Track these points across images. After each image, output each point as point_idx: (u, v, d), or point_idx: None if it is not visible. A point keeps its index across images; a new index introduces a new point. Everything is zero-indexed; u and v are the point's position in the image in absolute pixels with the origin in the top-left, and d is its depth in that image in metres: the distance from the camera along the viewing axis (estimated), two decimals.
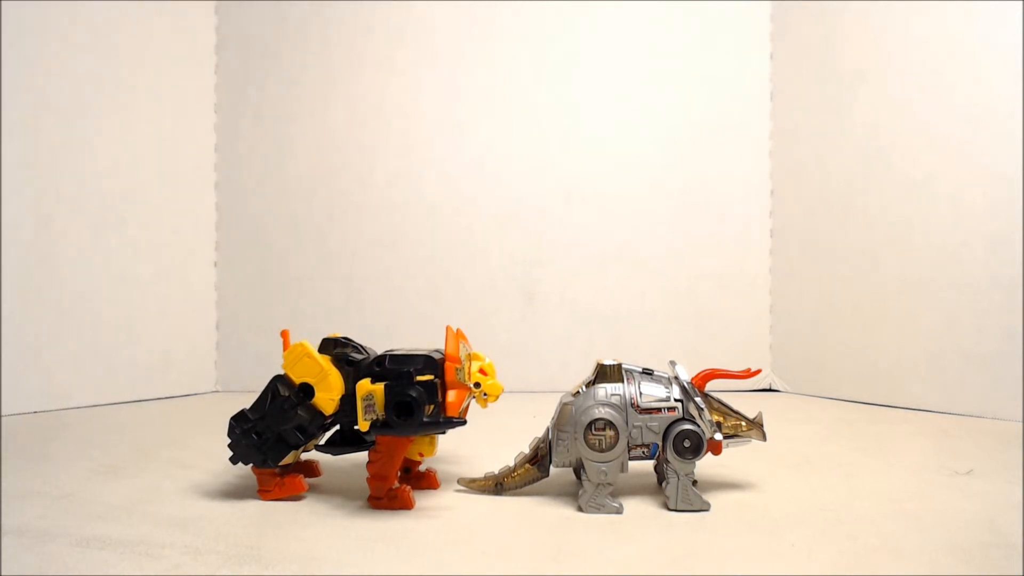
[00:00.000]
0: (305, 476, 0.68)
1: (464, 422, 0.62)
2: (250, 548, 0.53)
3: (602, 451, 0.61)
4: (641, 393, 0.63)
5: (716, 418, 0.64)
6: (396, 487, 0.62)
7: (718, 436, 0.62)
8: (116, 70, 1.21)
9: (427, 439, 0.65)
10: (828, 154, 1.26)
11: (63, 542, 0.54)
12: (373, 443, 0.63)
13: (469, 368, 0.62)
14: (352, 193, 1.37)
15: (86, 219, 1.18)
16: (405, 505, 0.62)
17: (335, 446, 0.66)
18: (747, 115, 1.36)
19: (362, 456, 0.64)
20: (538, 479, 0.66)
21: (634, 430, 0.62)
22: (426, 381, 0.59)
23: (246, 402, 0.64)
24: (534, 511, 0.62)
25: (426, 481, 0.69)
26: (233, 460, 0.64)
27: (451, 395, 0.61)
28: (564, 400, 0.64)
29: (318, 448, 0.67)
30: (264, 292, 1.35)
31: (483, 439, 0.83)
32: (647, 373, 0.64)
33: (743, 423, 0.64)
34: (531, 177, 1.37)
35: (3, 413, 1.06)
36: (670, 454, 0.61)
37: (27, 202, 1.11)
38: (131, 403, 1.21)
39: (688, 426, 0.61)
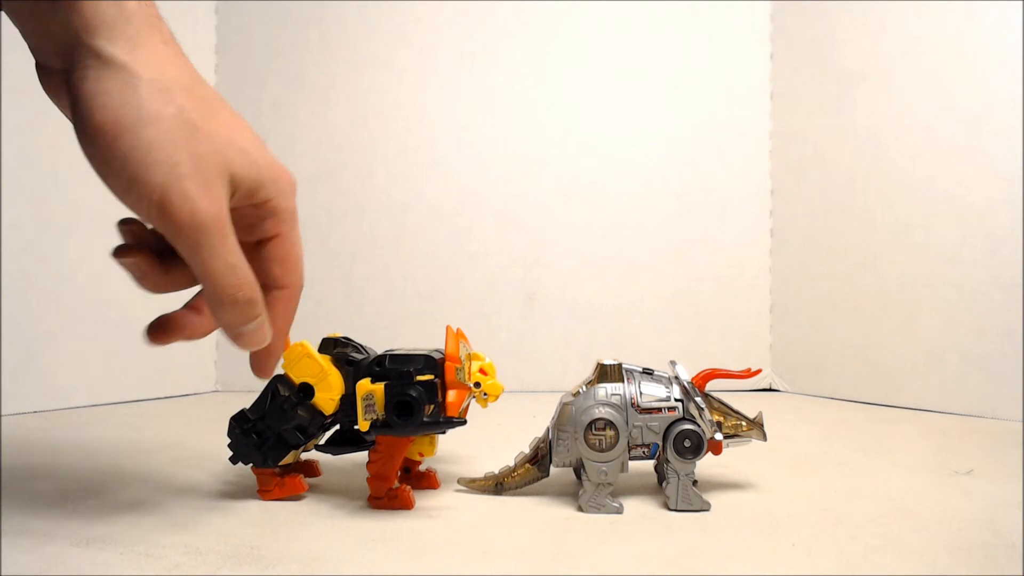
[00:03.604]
0: (305, 476, 0.68)
1: (464, 422, 0.62)
2: (250, 548, 0.53)
3: (602, 451, 0.61)
4: (641, 393, 0.63)
5: (716, 418, 0.64)
6: (396, 487, 0.62)
7: (718, 436, 0.62)
8: None
9: (427, 439, 0.65)
10: (828, 154, 1.26)
11: (63, 542, 0.54)
12: (373, 443, 0.63)
13: (469, 368, 0.62)
14: (352, 193, 1.37)
15: (86, 219, 1.18)
16: (405, 505, 0.62)
17: (335, 446, 0.66)
18: (747, 115, 1.36)
19: (362, 456, 0.64)
20: (538, 479, 0.66)
21: (634, 430, 0.62)
22: (426, 381, 0.59)
23: (246, 402, 0.64)
24: (534, 511, 0.62)
25: (426, 481, 0.69)
26: (233, 460, 0.64)
27: (451, 395, 0.61)
28: (564, 400, 0.64)
29: (318, 448, 0.67)
30: None
31: (483, 439, 0.83)
32: (647, 373, 0.64)
33: (743, 423, 0.64)
34: (531, 177, 1.37)
35: (3, 413, 1.06)
36: (670, 454, 0.61)
37: (27, 202, 1.11)
38: (131, 403, 1.21)
39: (688, 426, 0.61)
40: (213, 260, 0.44)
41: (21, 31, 0.47)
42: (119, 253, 0.49)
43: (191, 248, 0.44)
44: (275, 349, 0.51)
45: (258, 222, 0.50)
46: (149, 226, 0.49)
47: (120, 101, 0.43)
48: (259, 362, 0.52)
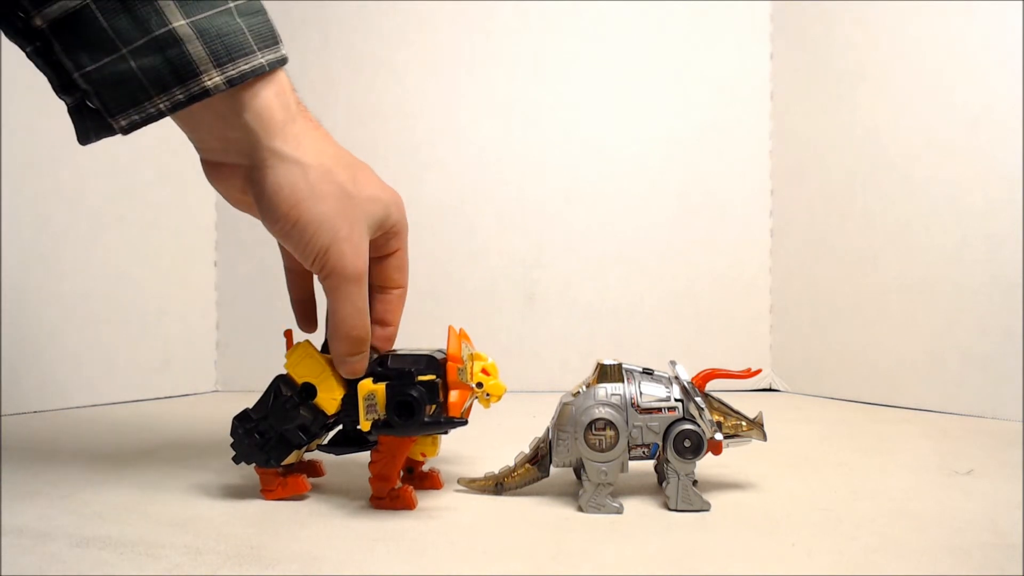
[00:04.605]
0: (309, 476, 0.68)
1: (465, 422, 0.62)
2: (250, 548, 0.53)
3: (602, 451, 0.61)
4: (641, 393, 0.63)
5: (716, 418, 0.64)
6: (398, 487, 0.62)
7: (718, 436, 0.62)
8: None
9: (429, 439, 0.65)
10: (828, 154, 1.26)
11: (63, 542, 0.54)
12: (376, 443, 0.63)
13: (471, 368, 0.62)
14: None
15: (86, 219, 1.18)
16: (407, 505, 0.62)
17: (338, 446, 0.66)
18: (747, 115, 1.36)
19: (365, 456, 0.64)
20: (538, 479, 0.66)
21: (634, 430, 0.62)
22: (428, 381, 0.59)
23: (246, 402, 0.64)
24: (534, 511, 0.62)
25: (429, 481, 0.69)
26: (236, 459, 0.64)
27: (453, 395, 0.61)
28: (564, 400, 0.64)
29: (320, 448, 0.67)
30: (264, 292, 1.35)
31: (483, 439, 0.83)
32: (647, 373, 0.64)
33: (743, 423, 0.64)
34: (531, 177, 1.37)
35: (3, 413, 1.06)
36: (670, 454, 0.61)
37: (27, 202, 1.11)
38: (131, 403, 1.21)
39: (688, 426, 0.61)
40: (346, 303, 0.59)
41: (192, 137, 0.60)
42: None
43: (333, 291, 0.59)
44: (392, 336, 0.67)
45: (386, 242, 0.65)
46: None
47: (298, 190, 0.57)
48: (380, 346, 0.66)
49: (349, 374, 0.62)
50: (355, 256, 0.59)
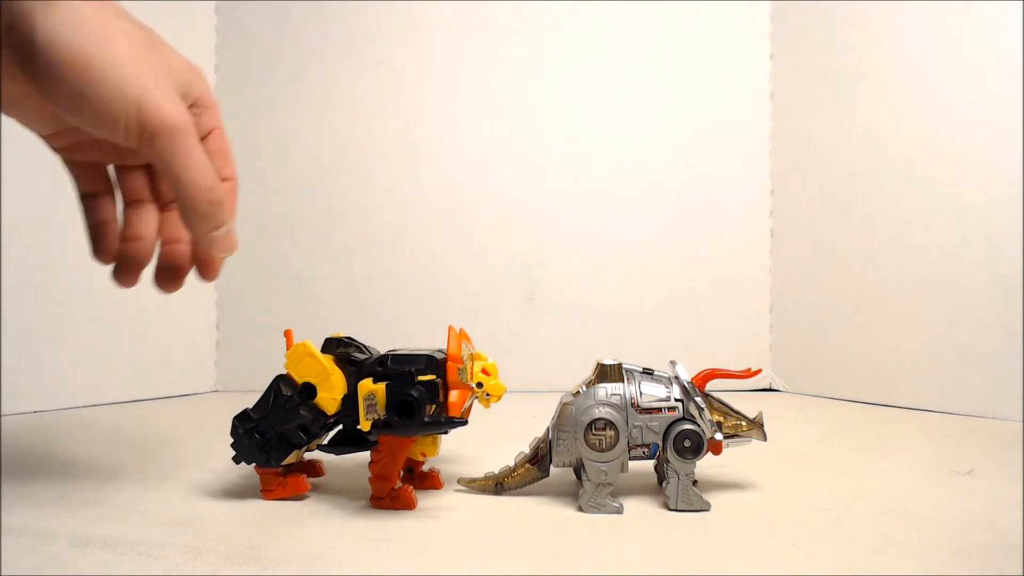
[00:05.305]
0: (309, 476, 0.68)
1: (465, 422, 0.62)
2: (250, 548, 0.53)
3: (602, 451, 0.61)
4: (641, 393, 0.63)
5: (716, 418, 0.64)
6: (398, 487, 0.62)
7: (718, 436, 0.62)
8: None
9: (429, 439, 0.65)
10: (828, 154, 1.26)
11: (63, 542, 0.54)
12: (376, 443, 0.63)
13: (471, 368, 0.62)
14: (352, 193, 1.37)
15: None
16: (407, 505, 0.62)
17: (338, 446, 0.66)
18: (747, 115, 1.36)
19: (365, 456, 0.64)
20: (538, 479, 0.66)
21: (634, 430, 0.62)
22: (428, 381, 0.59)
23: (246, 402, 0.64)
24: (534, 511, 0.62)
25: (429, 481, 0.69)
26: (236, 459, 0.64)
27: (453, 395, 0.61)
28: (564, 400, 0.64)
29: (321, 448, 0.67)
30: (264, 292, 1.35)
31: (483, 439, 0.83)
32: (647, 373, 0.64)
33: (743, 423, 0.64)
34: (531, 177, 1.37)
35: (3, 413, 1.06)
36: (670, 454, 0.61)
37: (27, 202, 1.11)
38: (131, 403, 1.21)
39: (688, 426, 0.61)
40: (189, 161, 0.48)
41: None
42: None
43: (169, 151, 0.47)
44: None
45: (196, 118, 0.53)
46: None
47: (78, 33, 0.45)
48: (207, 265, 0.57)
49: (224, 249, 0.53)
50: (174, 105, 0.47)
